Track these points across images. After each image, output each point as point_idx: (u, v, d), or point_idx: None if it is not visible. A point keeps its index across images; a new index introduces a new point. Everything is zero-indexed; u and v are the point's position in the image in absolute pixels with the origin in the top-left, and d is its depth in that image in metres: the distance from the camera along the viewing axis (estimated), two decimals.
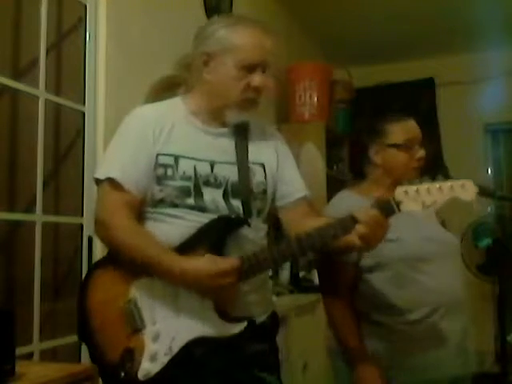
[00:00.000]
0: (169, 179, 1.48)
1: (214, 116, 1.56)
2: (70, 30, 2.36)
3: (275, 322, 1.65)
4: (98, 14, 2.35)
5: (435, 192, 1.40)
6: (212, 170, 1.51)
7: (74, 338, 2.17)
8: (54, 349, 2.13)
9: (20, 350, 1.69)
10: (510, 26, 4.34)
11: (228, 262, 1.38)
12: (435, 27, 4.47)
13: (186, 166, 1.49)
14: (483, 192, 1.84)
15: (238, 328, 1.43)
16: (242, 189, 1.53)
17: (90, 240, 2.24)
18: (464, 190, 1.40)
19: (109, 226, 1.46)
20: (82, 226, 2.25)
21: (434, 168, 1.87)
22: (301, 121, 4.07)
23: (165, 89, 2.38)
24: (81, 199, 2.27)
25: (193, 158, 1.50)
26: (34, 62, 2.12)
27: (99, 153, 2.29)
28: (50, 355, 2.09)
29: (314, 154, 3.96)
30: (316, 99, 4.06)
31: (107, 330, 1.46)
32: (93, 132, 2.30)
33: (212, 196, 1.49)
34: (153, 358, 1.41)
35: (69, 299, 2.24)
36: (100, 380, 1.55)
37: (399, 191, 1.42)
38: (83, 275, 2.20)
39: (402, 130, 1.84)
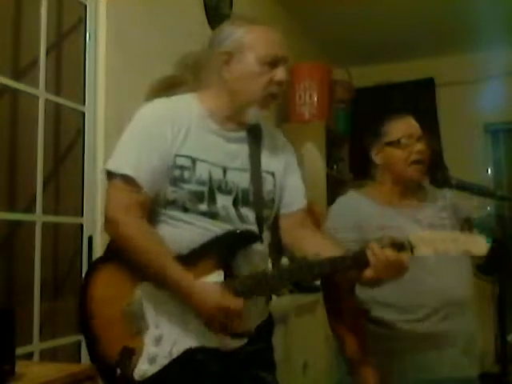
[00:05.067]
0: (185, 182, 1.45)
1: (233, 115, 1.54)
2: (69, 30, 2.36)
3: (270, 322, 1.65)
4: (98, 14, 2.35)
5: (449, 242, 1.45)
6: (224, 176, 1.49)
7: (73, 338, 2.18)
8: (54, 349, 2.13)
9: (20, 350, 1.69)
10: (510, 26, 4.34)
11: (236, 302, 1.38)
12: (435, 27, 4.47)
13: (202, 170, 1.47)
14: (483, 192, 1.85)
15: (238, 343, 1.44)
16: (255, 198, 1.52)
17: (90, 240, 2.24)
18: (476, 244, 1.46)
19: (121, 226, 1.42)
20: (81, 226, 2.25)
21: (434, 168, 1.87)
22: (301, 121, 4.07)
23: (165, 89, 2.38)
24: (81, 199, 2.26)
25: (208, 162, 1.48)
26: (34, 62, 2.12)
27: (99, 153, 2.29)
28: (50, 355, 2.09)
29: (314, 154, 3.96)
30: (316, 99, 4.07)
31: (108, 327, 1.44)
32: (93, 132, 2.30)
33: (223, 202, 1.48)
34: (152, 361, 1.40)
35: (69, 299, 2.24)
36: (100, 380, 1.55)
37: (415, 236, 1.45)
38: (83, 275, 2.20)
39: (399, 127, 1.85)
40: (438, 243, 1.44)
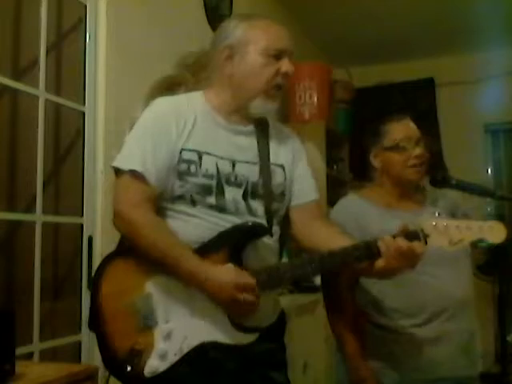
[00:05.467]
0: (191, 175, 1.46)
1: (237, 110, 1.54)
2: (69, 30, 2.36)
3: (283, 320, 1.64)
4: (98, 14, 2.35)
5: (464, 230, 1.38)
6: (233, 169, 1.49)
7: (73, 338, 2.18)
8: (54, 349, 2.13)
9: (20, 350, 1.69)
10: (510, 26, 4.33)
11: (251, 279, 1.37)
12: (435, 27, 4.47)
13: (208, 163, 1.47)
14: (483, 192, 1.85)
15: (249, 338, 1.43)
16: (264, 191, 1.51)
17: (90, 240, 2.24)
18: (493, 231, 1.38)
19: (130, 220, 1.42)
20: (82, 226, 2.25)
21: (434, 168, 1.87)
22: (301, 121, 4.06)
23: (165, 89, 2.38)
24: (81, 199, 2.26)
25: (215, 156, 1.48)
26: (34, 62, 2.12)
27: (99, 153, 2.29)
28: (50, 355, 2.08)
29: (314, 154, 3.96)
30: (316, 99, 4.06)
31: (118, 322, 1.43)
32: (93, 132, 2.30)
33: (232, 196, 1.48)
34: (162, 357, 1.39)
35: (69, 299, 2.24)
36: (99, 381, 1.55)
37: (428, 224, 1.39)
38: (83, 275, 2.21)
39: (397, 130, 1.85)
40: (452, 231, 1.38)
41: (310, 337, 3.18)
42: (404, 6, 4.17)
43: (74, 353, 2.18)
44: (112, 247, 1.53)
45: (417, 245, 1.38)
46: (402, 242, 1.37)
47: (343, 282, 1.78)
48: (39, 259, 2.03)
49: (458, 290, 1.77)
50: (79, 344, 2.18)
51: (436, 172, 1.82)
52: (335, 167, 4.50)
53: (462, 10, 4.17)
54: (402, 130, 1.85)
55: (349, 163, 4.74)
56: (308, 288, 3.45)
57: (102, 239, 2.22)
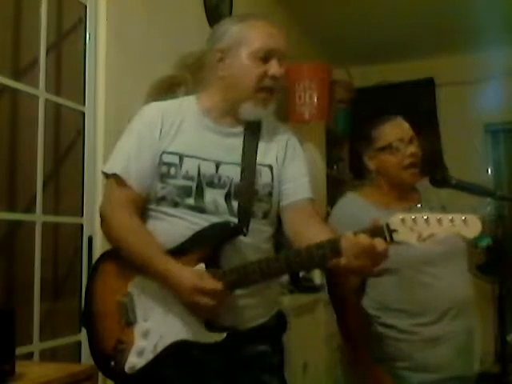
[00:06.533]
0: (171, 178, 1.49)
1: (228, 113, 1.55)
2: (69, 30, 2.36)
3: (281, 321, 1.64)
4: (98, 14, 2.35)
5: (434, 224, 1.26)
6: (217, 171, 1.50)
7: (73, 338, 2.18)
8: (54, 349, 2.13)
9: (20, 350, 1.69)
10: (510, 26, 4.34)
11: (213, 283, 1.37)
12: (435, 27, 4.47)
13: (189, 166, 1.49)
14: (483, 192, 1.85)
15: (217, 337, 1.41)
16: (244, 191, 1.50)
17: (90, 240, 2.24)
18: (466, 225, 1.26)
19: (109, 222, 1.49)
20: (82, 226, 2.25)
21: (434, 168, 1.87)
22: (301, 121, 4.06)
23: (165, 89, 2.38)
24: (81, 199, 2.26)
25: (198, 158, 1.50)
26: (34, 62, 2.12)
27: (99, 153, 2.29)
28: (49, 355, 2.09)
29: (314, 154, 3.96)
30: (316, 99, 4.06)
31: (105, 319, 1.49)
32: (93, 132, 2.30)
33: (213, 197, 1.48)
34: (140, 354, 1.43)
35: (69, 299, 2.24)
36: (99, 381, 1.56)
37: (395, 219, 1.28)
38: (83, 275, 2.21)
39: (390, 131, 1.85)
40: (421, 226, 1.26)
41: (310, 337, 3.18)
42: (404, 6, 4.17)
43: (74, 353, 2.19)
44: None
45: (378, 242, 1.26)
46: (363, 239, 1.26)
47: (348, 284, 1.78)
48: (39, 259, 2.04)
49: (459, 290, 1.78)
50: (79, 344, 2.18)
51: (436, 172, 1.82)
52: (335, 167, 4.50)
53: (462, 10, 4.17)
54: (394, 130, 1.85)
55: (349, 163, 4.75)
56: (308, 288, 3.45)
57: (102, 239, 2.21)
